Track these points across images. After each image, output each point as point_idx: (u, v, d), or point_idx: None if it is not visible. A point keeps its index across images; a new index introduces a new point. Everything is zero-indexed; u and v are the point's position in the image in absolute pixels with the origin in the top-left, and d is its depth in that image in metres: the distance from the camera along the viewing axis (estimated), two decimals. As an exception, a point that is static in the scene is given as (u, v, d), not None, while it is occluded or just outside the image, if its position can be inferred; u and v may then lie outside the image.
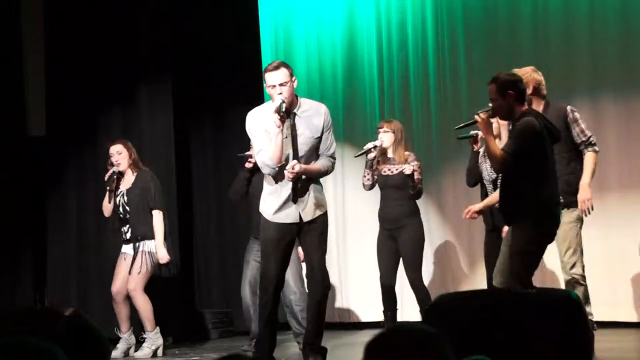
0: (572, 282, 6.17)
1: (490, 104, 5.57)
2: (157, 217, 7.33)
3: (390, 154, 7.32)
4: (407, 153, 7.32)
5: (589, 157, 6.22)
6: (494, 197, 6.48)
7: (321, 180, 6.04)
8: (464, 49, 8.52)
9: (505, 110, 5.52)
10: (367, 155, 7.30)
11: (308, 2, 9.08)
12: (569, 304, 2.75)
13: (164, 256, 7.26)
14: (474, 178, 6.89)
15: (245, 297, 7.31)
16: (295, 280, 7.25)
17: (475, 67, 8.35)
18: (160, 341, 7.38)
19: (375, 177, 7.33)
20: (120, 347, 7.35)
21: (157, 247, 7.27)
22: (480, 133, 6.18)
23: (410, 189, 7.17)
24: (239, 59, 8.56)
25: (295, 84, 5.80)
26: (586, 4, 8.09)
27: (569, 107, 6.29)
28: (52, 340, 2.18)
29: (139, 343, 7.47)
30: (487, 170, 6.69)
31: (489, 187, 6.75)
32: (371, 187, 7.37)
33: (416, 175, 7.21)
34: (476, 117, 5.57)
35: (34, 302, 8.52)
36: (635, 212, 7.78)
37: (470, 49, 8.49)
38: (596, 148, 6.26)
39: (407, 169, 7.13)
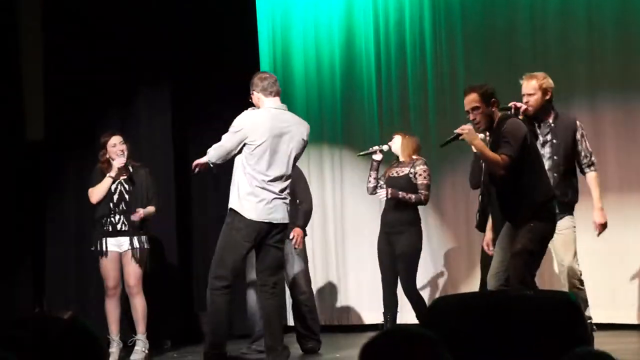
0: (571, 288, 6.15)
1: (472, 114, 5.55)
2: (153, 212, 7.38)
3: (400, 158, 7.30)
4: (415, 157, 7.28)
5: (593, 179, 6.20)
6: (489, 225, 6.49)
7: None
8: (462, 49, 8.52)
9: (489, 118, 5.53)
10: (371, 157, 7.26)
11: (305, 3, 9.07)
12: (567, 306, 2.75)
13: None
14: (477, 179, 6.84)
15: (250, 300, 7.30)
16: (304, 280, 7.28)
17: (473, 67, 8.34)
18: (146, 343, 7.32)
19: (380, 181, 7.29)
20: (115, 351, 7.22)
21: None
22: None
23: (417, 194, 7.14)
24: (236, 62, 8.55)
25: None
26: (584, 6, 8.10)
27: (578, 122, 6.27)
28: (49, 345, 2.18)
29: (126, 347, 7.35)
30: (485, 172, 6.67)
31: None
32: (373, 190, 7.33)
33: (421, 180, 7.17)
34: (459, 130, 5.57)
35: (32, 306, 8.50)
36: (634, 213, 7.78)
37: (468, 50, 8.49)
38: (596, 167, 6.26)
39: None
